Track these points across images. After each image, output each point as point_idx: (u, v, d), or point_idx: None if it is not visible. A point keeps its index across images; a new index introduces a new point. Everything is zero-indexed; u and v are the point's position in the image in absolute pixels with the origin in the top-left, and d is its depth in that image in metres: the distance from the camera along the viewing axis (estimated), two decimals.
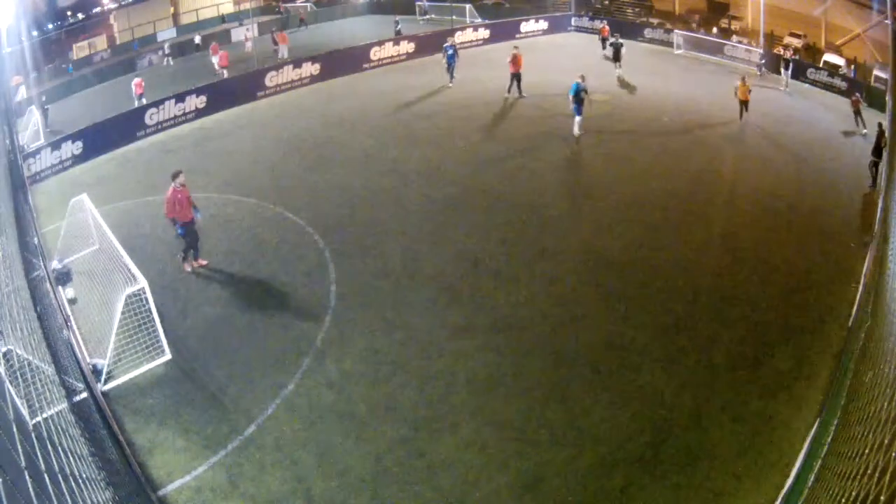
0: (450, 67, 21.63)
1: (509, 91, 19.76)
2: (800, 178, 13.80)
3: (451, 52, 21.59)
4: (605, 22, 29.71)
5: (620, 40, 22.50)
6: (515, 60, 19.34)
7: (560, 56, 26.40)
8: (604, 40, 26.31)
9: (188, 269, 10.74)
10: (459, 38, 28.95)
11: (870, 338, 5.83)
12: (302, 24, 38.61)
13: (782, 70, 22.68)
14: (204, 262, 10.92)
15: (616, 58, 22.21)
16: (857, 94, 17.42)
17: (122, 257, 8.83)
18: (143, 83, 22.89)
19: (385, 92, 21.66)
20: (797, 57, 26.67)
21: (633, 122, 17.55)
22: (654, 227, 11.69)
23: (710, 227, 11.69)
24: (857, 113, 16.86)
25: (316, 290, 10.01)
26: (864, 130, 16.37)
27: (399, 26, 32.18)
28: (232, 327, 9.25)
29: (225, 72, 25.81)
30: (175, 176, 10.25)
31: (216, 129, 18.95)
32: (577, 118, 15.91)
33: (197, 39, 35.54)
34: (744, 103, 17.21)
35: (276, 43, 29.80)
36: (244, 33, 33.90)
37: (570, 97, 15.79)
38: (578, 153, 15.42)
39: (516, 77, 19.52)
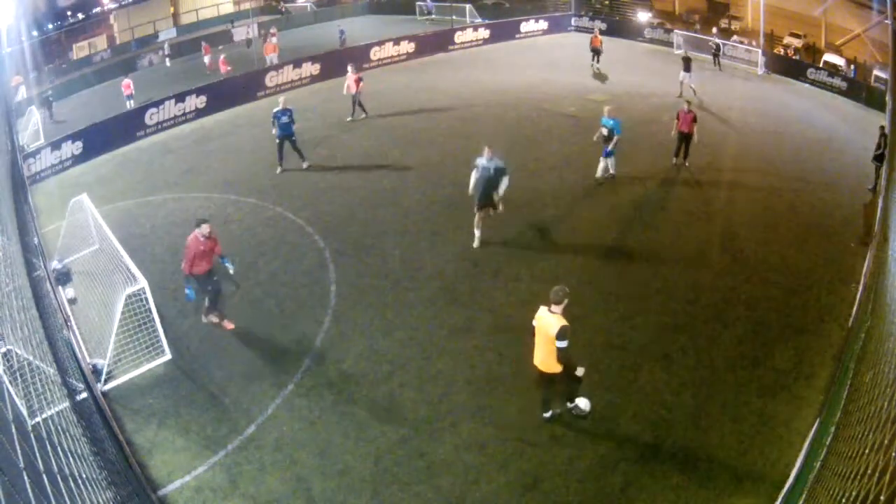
0: (282, 146, 14.47)
1: (353, 114, 18.41)
2: (800, 178, 13.80)
3: (284, 119, 14.12)
4: (596, 29, 26.20)
5: (502, 163, 10.72)
6: (353, 82, 18.05)
7: (560, 56, 26.41)
8: (595, 51, 23.13)
9: (215, 320, 9.21)
10: (459, 38, 28.86)
11: (870, 338, 5.83)
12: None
13: (682, 73, 19.49)
14: (230, 325, 9.18)
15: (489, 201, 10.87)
16: None
17: (122, 257, 8.82)
18: (131, 84, 23.19)
19: (384, 92, 21.65)
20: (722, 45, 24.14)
21: (632, 122, 17.53)
22: (654, 227, 11.69)
23: (710, 227, 11.68)
24: None
25: (316, 290, 10.01)
26: None
27: (343, 35, 30.42)
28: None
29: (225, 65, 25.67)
30: (200, 224, 8.54)
31: (216, 129, 18.96)
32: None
33: (247, 33, 34.60)
34: None
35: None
36: (268, 29, 33.52)
37: None
38: (578, 154, 15.39)
39: (356, 98, 18.24)
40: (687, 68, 19.53)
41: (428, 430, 7.15)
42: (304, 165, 14.92)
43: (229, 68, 26.34)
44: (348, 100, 18.56)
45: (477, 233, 10.94)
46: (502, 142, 16.20)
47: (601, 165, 13.37)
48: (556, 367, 6.39)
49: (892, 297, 5.47)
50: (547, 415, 7.10)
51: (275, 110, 14.22)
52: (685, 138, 13.80)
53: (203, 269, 8.66)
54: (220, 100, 20.35)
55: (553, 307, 6.25)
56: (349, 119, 18.40)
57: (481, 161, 10.66)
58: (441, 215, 12.33)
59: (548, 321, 6.25)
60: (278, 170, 14.83)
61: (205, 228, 8.52)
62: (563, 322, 6.15)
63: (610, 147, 13.00)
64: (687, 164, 14.11)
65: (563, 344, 6.16)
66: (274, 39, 27.39)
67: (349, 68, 18.47)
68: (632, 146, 15.67)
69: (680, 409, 7.28)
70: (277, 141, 14.51)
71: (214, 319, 9.24)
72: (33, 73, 29.10)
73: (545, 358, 6.44)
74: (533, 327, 6.55)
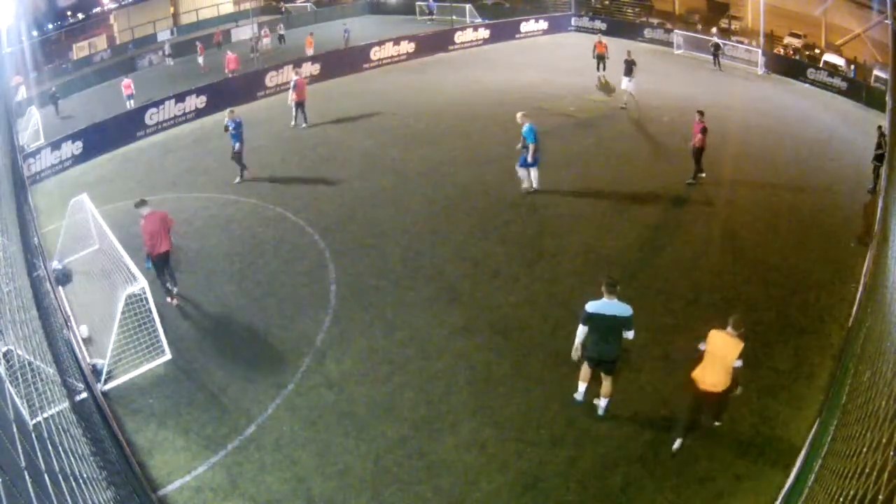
0: (237, 152, 14.15)
1: (295, 120, 18.02)
2: (800, 178, 13.80)
3: (232, 128, 13.87)
4: (600, 35, 25.19)
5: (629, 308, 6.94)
6: (298, 89, 17.75)
7: (560, 56, 26.40)
8: (600, 58, 21.57)
9: (175, 302, 9.75)
10: (460, 38, 28.86)
11: (869, 338, 5.83)
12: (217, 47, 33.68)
13: (623, 80, 18.11)
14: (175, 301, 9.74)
15: None
16: None
17: (122, 257, 8.83)
18: (132, 84, 23.28)
19: (385, 92, 21.67)
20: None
21: (633, 122, 17.56)
22: (654, 227, 11.69)
23: (710, 227, 11.69)
24: None
25: (316, 290, 10.02)
26: None
27: (348, 34, 30.41)
28: (232, 327, 9.26)
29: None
30: (139, 205, 9.31)
31: (216, 129, 18.88)
32: None
33: (270, 31, 34.30)
34: None
35: (254, 50, 29.52)
36: (259, 31, 33.63)
37: None
38: (577, 153, 15.40)
39: (300, 105, 17.87)
40: (628, 72, 18.12)
41: (428, 430, 7.15)
42: (236, 180, 14.38)
43: (236, 67, 26.05)
44: (349, 99, 18.59)
45: (582, 386, 7.43)
46: (502, 142, 16.22)
47: (521, 174, 12.71)
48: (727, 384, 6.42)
49: (891, 297, 5.47)
50: (677, 445, 6.72)
51: (226, 121, 13.99)
52: (696, 151, 12.87)
53: (164, 248, 9.34)
54: (220, 100, 20.35)
55: (731, 329, 6.38)
56: (292, 125, 18.07)
57: (597, 305, 6.63)
58: (441, 215, 12.34)
59: (728, 343, 6.33)
60: (236, 179, 14.40)
61: (143, 210, 9.27)
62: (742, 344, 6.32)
63: (528, 157, 12.18)
64: (694, 181, 13.09)
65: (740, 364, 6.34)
66: (266, 41, 27.59)
67: (294, 74, 18.77)
68: (632, 146, 15.70)
69: (680, 409, 7.26)
70: (232, 147, 14.21)
71: (176, 302, 9.76)
72: (33, 73, 29.15)
73: (722, 378, 6.39)
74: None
